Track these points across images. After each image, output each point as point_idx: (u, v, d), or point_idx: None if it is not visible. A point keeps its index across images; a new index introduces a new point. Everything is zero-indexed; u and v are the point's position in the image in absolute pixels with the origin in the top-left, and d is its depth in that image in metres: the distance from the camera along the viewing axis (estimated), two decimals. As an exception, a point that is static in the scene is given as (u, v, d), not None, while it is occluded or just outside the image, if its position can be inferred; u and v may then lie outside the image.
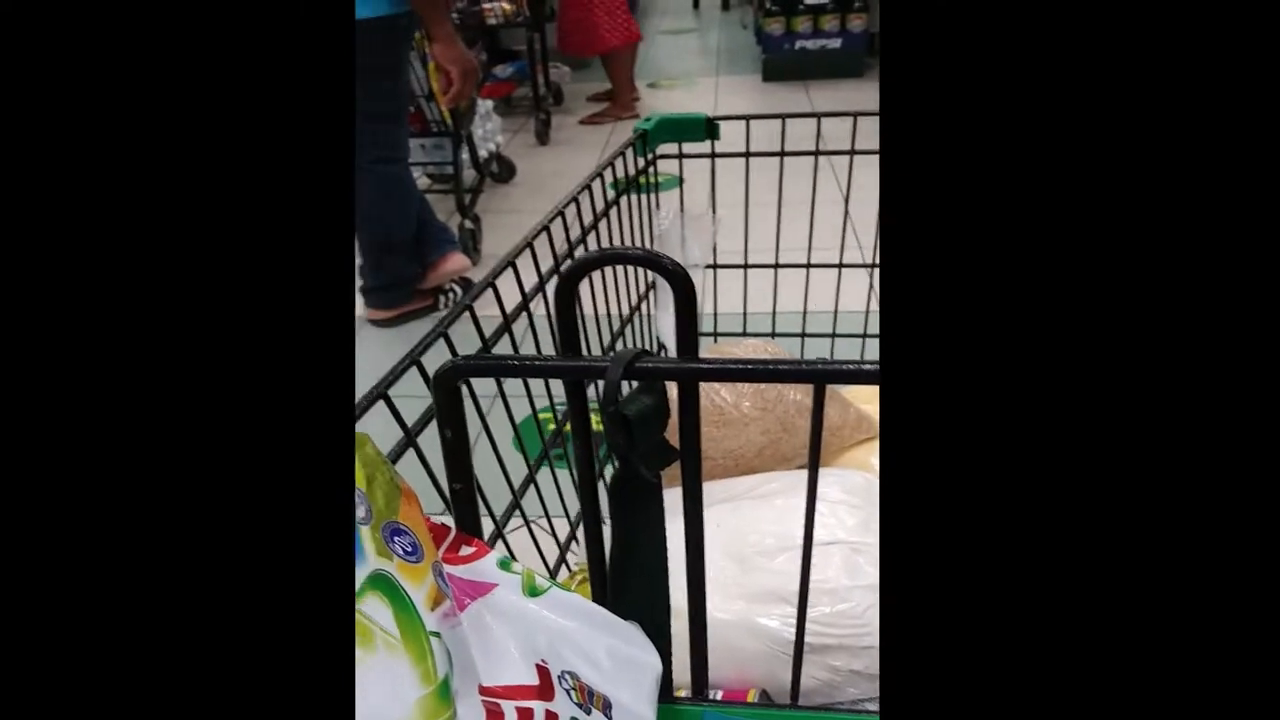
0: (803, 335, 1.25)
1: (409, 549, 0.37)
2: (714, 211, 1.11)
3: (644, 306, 1.07)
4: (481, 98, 3.11)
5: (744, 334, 1.23)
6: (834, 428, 0.98)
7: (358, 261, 2.35)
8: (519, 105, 4.31)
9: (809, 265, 1.21)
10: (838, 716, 0.63)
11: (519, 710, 0.40)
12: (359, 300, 2.40)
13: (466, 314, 0.65)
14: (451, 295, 2.49)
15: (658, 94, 4.54)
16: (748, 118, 1.14)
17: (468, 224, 2.76)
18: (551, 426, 0.84)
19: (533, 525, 0.77)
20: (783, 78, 4.52)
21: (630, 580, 0.51)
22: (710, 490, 0.82)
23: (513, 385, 0.66)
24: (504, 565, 0.46)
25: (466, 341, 0.61)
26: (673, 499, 0.50)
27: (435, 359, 0.56)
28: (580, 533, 0.86)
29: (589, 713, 0.44)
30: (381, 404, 0.53)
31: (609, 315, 0.94)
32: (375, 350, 2.31)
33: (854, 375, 0.44)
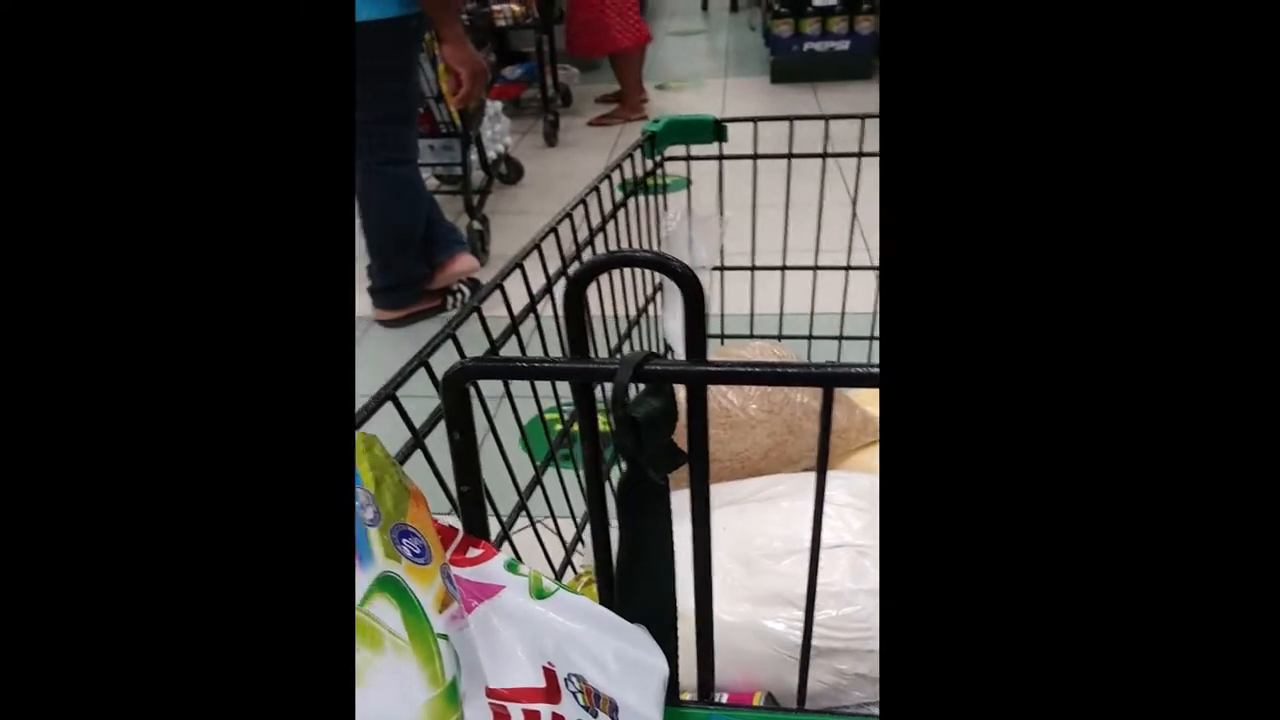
0: (809, 337, 1.25)
1: (417, 551, 0.37)
2: (721, 213, 1.11)
3: (650, 308, 1.07)
4: (490, 99, 3.11)
5: (750, 336, 1.23)
6: (841, 430, 0.98)
7: (366, 262, 2.36)
8: (527, 107, 4.32)
9: (816, 267, 1.21)
10: (844, 720, 0.63)
11: (526, 713, 0.40)
12: (367, 300, 2.41)
13: (473, 315, 0.65)
14: (459, 295, 2.50)
15: (666, 95, 4.54)
16: (756, 120, 1.14)
17: (475, 225, 2.76)
18: (558, 427, 0.84)
19: (538, 526, 0.77)
20: (791, 80, 4.51)
21: (637, 583, 0.51)
22: (716, 492, 0.82)
23: (519, 385, 0.66)
24: (511, 568, 0.46)
25: (474, 342, 0.61)
26: (679, 501, 0.50)
27: (442, 359, 0.56)
28: (586, 534, 0.86)
29: (595, 715, 0.44)
30: (389, 404, 0.53)
31: (615, 317, 0.94)
32: (383, 350, 2.31)
33: (862, 379, 0.44)
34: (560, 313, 0.49)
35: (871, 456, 0.98)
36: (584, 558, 0.88)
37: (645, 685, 0.48)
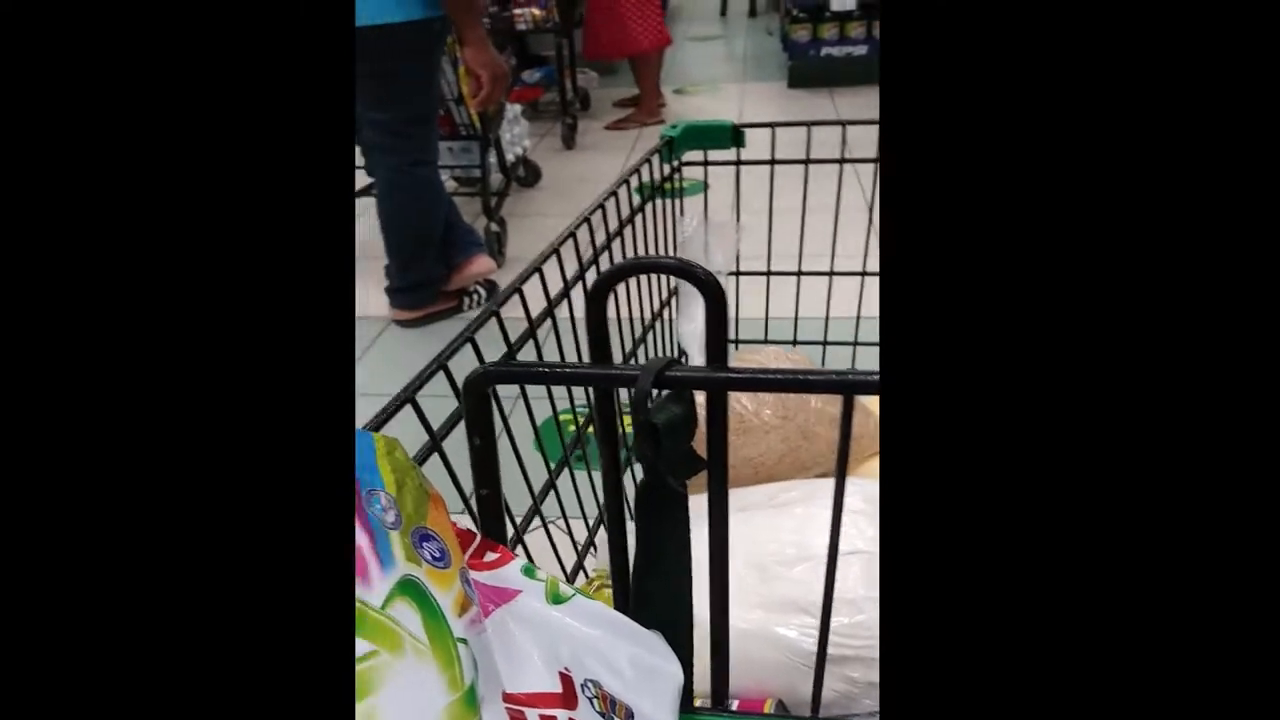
0: (824, 343, 1.24)
1: (437, 554, 0.37)
2: (738, 218, 1.11)
3: (665, 313, 1.07)
4: (509, 102, 3.12)
5: (766, 341, 1.23)
6: (854, 437, 0.97)
7: (384, 262, 2.38)
8: (546, 110, 4.33)
9: (832, 273, 1.20)
10: (857, 729, 0.62)
11: (543, 718, 0.40)
12: (384, 300, 2.42)
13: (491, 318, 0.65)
14: (476, 296, 2.51)
15: (684, 100, 4.54)
16: (773, 125, 1.14)
17: (493, 227, 2.77)
18: (572, 429, 0.84)
19: (551, 528, 0.77)
20: (808, 84, 4.50)
21: (653, 589, 0.51)
22: (730, 498, 0.82)
23: (534, 388, 0.66)
24: (528, 572, 0.46)
25: (491, 344, 0.62)
26: (693, 507, 0.50)
27: (458, 362, 0.56)
28: (599, 538, 0.86)
29: (610, 721, 0.44)
30: (407, 406, 0.53)
31: (630, 320, 0.94)
32: (400, 350, 2.32)
33: (882, 388, 0.44)
34: (579, 316, 0.49)
35: (886, 464, 0.98)
36: (596, 560, 0.88)
37: (660, 692, 0.48)
